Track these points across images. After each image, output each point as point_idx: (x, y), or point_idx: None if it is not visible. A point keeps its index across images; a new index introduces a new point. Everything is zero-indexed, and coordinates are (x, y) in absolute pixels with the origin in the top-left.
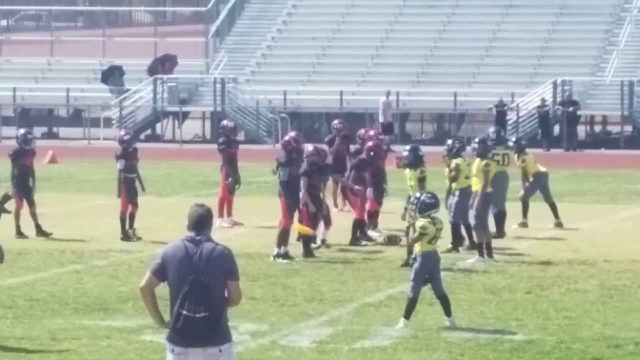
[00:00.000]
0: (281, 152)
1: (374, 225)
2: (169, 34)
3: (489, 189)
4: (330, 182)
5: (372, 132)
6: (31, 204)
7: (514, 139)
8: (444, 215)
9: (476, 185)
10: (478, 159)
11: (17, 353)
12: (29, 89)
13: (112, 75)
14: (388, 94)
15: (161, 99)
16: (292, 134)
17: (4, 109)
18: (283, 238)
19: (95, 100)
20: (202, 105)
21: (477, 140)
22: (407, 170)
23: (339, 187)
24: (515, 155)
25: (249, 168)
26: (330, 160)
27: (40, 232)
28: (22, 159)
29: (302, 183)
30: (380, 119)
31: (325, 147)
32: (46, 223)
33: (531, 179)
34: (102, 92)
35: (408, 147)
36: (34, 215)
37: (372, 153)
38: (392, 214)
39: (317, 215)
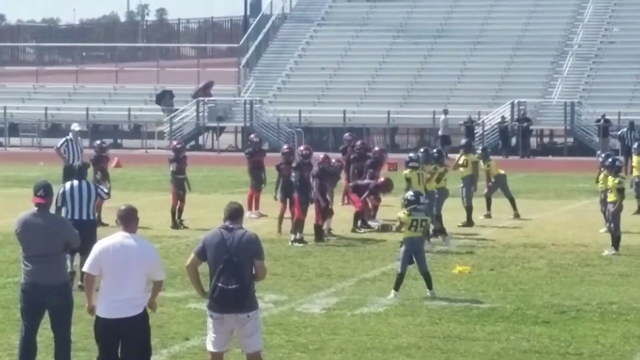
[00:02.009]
0: (297, 158)
1: (373, 217)
2: (209, 65)
3: (434, 187)
4: (340, 182)
5: (377, 149)
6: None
7: (480, 148)
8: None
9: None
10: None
11: (90, 317)
12: (99, 108)
13: (164, 98)
14: (446, 112)
15: (202, 116)
16: (302, 147)
17: (80, 125)
18: (297, 227)
19: (151, 117)
20: (235, 122)
21: (421, 150)
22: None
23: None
24: (481, 162)
25: (272, 172)
26: (343, 164)
27: (100, 222)
28: (100, 163)
29: (314, 183)
30: (440, 132)
31: (338, 154)
32: (113, 215)
33: (493, 180)
34: (156, 111)
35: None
36: (99, 208)
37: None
38: (388, 207)
39: (327, 208)
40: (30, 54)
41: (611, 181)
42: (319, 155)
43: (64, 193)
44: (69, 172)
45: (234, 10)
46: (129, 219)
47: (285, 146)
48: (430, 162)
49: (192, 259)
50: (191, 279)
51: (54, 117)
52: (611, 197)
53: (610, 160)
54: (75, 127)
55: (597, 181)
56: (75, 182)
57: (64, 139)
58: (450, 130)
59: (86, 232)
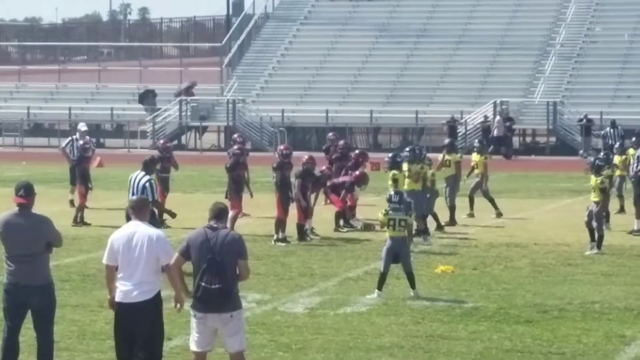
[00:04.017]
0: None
1: (353, 216)
2: (192, 64)
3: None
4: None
5: (357, 151)
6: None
7: (477, 141)
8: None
9: (410, 185)
10: (407, 163)
11: (72, 317)
12: (81, 108)
13: (147, 97)
14: (501, 113)
15: (185, 116)
16: (282, 146)
17: (62, 124)
18: (279, 226)
19: (133, 117)
20: (217, 121)
21: (407, 149)
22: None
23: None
24: (475, 154)
25: (254, 171)
26: (326, 164)
27: (83, 222)
28: (83, 163)
29: (296, 183)
30: (495, 133)
31: (321, 154)
32: (96, 214)
33: (477, 179)
34: (139, 111)
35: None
36: (82, 208)
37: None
38: (372, 207)
39: (308, 208)
40: (12, 53)
41: (593, 181)
42: (303, 155)
43: (128, 182)
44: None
45: (217, 9)
46: (140, 208)
47: (235, 147)
48: (416, 162)
49: (176, 258)
50: (176, 279)
51: (36, 116)
52: (594, 197)
53: (591, 159)
54: (82, 126)
55: None
56: (136, 173)
57: (69, 139)
58: (503, 131)
59: None
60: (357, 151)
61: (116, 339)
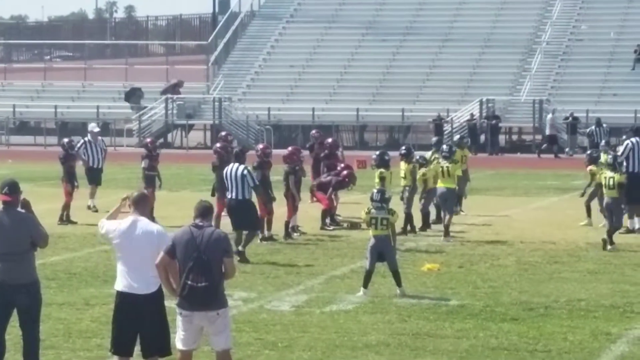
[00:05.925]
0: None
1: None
2: (178, 62)
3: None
4: (306, 179)
5: (330, 140)
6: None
7: (461, 137)
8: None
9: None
10: (402, 162)
11: (59, 315)
12: (67, 106)
13: (133, 95)
14: (554, 111)
15: (171, 114)
16: (261, 145)
17: (48, 123)
18: (262, 225)
19: (119, 115)
20: (204, 119)
21: (404, 148)
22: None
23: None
24: (460, 151)
25: None
26: (310, 162)
27: (69, 220)
28: (69, 161)
29: (290, 181)
30: (547, 132)
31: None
32: (82, 212)
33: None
34: (125, 109)
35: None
36: (67, 207)
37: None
38: (358, 205)
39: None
40: None
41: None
42: (284, 152)
43: (223, 175)
44: (92, 174)
45: (203, 7)
46: (140, 203)
47: (218, 144)
48: (411, 160)
49: (161, 257)
50: (161, 277)
51: (22, 114)
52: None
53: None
54: (94, 128)
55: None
56: (233, 166)
57: (81, 141)
58: (556, 129)
59: (238, 210)
60: (329, 139)
61: (116, 330)
